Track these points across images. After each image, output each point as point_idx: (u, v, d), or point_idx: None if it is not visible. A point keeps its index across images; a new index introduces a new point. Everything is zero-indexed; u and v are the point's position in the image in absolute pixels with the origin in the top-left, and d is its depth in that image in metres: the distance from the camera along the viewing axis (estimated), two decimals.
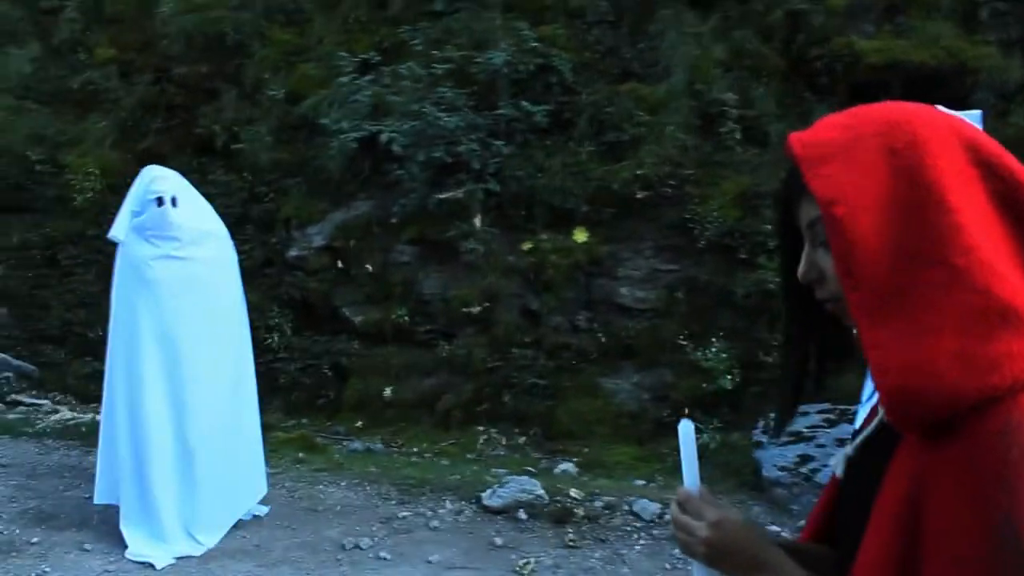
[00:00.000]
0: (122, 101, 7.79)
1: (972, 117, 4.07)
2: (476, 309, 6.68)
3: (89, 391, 7.53)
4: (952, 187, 0.93)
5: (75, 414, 6.78)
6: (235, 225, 7.33)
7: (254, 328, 7.15)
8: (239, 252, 7.52)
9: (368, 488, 5.45)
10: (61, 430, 6.45)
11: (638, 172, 6.45)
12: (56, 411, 6.86)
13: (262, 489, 4.99)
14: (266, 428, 6.64)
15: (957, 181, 0.93)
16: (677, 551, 4.32)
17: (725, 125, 6.48)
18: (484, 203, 6.57)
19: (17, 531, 4.78)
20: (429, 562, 4.44)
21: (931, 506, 0.90)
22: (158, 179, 4.57)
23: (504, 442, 6.56)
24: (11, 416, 6.88)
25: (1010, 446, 0.87)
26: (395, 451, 6.58)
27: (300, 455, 6.09)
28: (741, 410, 6.12)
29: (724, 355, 6.04)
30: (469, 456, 6.40)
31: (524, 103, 6.44)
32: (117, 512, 4.58)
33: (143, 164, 7.97)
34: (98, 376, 7.89)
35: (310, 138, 7.46)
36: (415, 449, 6.56)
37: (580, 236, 6.59)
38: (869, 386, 4.75)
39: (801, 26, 6.60)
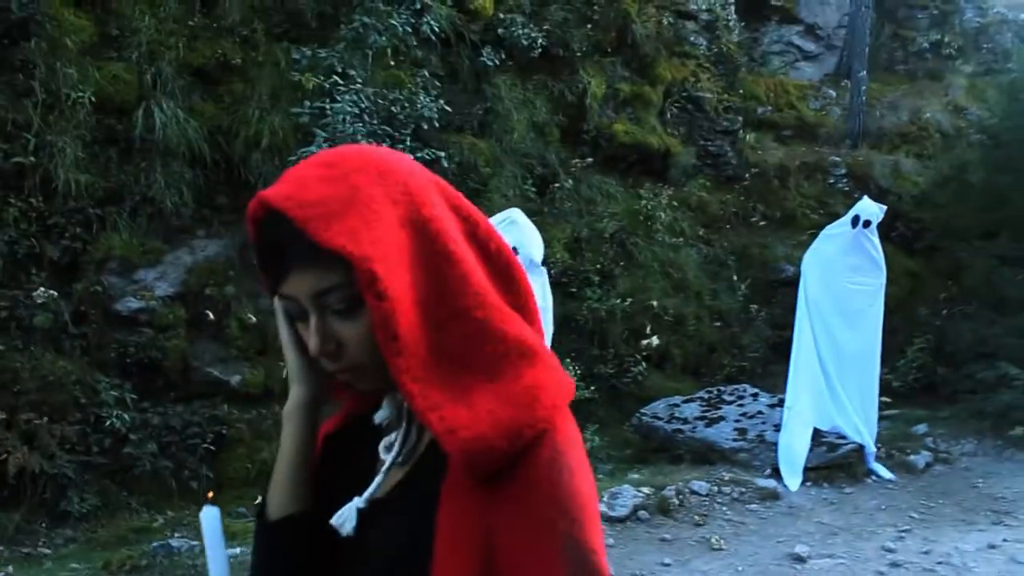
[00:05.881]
0: None
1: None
2: None
3: None
4: (451, 236, 0.91)
5: None
6: (12, 269, 5.42)
7: (79, 407, 5.44)
8: (24, 305, 5.62)
9: None
10: None
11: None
12: None
13: None
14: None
15: (451, 229, 0.92)
16: None
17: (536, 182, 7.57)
18: None
19: None
20: None
21: (502, 545, 0.87)
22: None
23: None
24: None
25: (560, 470, 0.88)
26: None
27: None
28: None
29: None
30: None
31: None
32: None
33: None
34: None
35: (126, 157, 5.84)
36: None
37: None
38: None
39: (582, 106, 8.07)
